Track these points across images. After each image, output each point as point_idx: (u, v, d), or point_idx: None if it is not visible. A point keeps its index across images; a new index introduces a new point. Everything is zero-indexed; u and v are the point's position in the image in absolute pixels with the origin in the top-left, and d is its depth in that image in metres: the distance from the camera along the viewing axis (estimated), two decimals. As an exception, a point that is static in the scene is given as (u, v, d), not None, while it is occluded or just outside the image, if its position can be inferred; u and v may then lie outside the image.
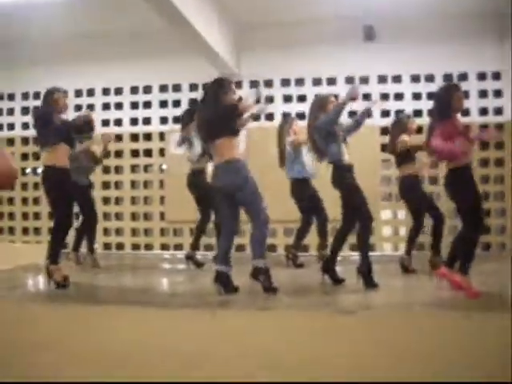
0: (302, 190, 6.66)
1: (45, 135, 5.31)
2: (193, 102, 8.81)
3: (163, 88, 9.09)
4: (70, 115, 6.54)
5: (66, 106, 5.52)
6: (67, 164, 5.38)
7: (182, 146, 6.78)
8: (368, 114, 5.44)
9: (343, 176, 5.19)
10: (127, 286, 6.10)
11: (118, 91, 9.18)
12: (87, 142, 6.80)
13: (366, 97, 8.47)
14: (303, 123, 6.22)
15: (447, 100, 4.72)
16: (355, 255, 5.16)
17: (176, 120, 8.45)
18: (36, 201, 9.24)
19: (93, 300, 4.97)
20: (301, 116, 7.79)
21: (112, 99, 9.19)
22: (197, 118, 5.21)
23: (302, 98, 8.63)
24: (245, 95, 4.91)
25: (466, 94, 7.53)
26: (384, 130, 8.08)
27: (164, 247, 9.00)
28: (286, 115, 8.04)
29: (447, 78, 8.14)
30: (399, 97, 8.49)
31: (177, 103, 9.01)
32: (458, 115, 4.87)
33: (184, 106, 8.83)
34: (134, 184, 9.17)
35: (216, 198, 5.09)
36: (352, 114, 7.18)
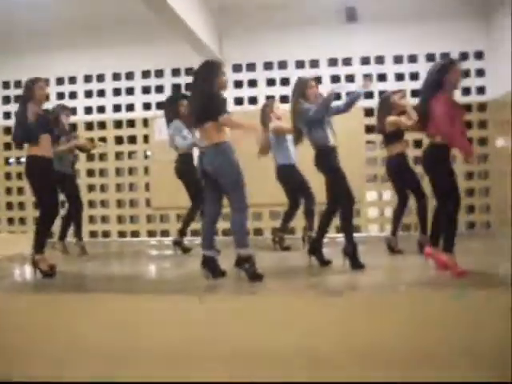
0: (288, 176, 6.63)
1: (27, 130, 5.24)
2: (176, 87, 8.77)
3: (146, 74, 9.01)
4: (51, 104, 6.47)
5: (46, 96, 5.46)
6: (50, 154, 5.37)
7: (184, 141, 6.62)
8: (356, 97, 5.39)
9: (326, 159, 5.20)
10: (115, 273, 6.09)
11: (100, 78, 9.10)
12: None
13: (350, 78, 8.49)
14: (286, 106, 6.17)
15: (443, 76, 4.65)
16: (342, 237, 5.18)
17: (159, 106, 8.40)
18: (20, 191, 9.16)
19: (80, 288, 4.96)
20: (285, 99, 7.77)
21: (94, 86, 9.10)
22: (189, 104, 5.18)
23: (285, 81, 8.60)
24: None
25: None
26: (368, 112, 8.09)
27: (150, 234, 8.98)
28: (269, 98, 8.01)
29: (430, 58, 8.15)
30: (382, 78, 8.49)
31: (160, 89, 8.94)
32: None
33: (167, 91, 8.77)
34: (118, 171, 9.12)
35: (202, 182, 5.04)
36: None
